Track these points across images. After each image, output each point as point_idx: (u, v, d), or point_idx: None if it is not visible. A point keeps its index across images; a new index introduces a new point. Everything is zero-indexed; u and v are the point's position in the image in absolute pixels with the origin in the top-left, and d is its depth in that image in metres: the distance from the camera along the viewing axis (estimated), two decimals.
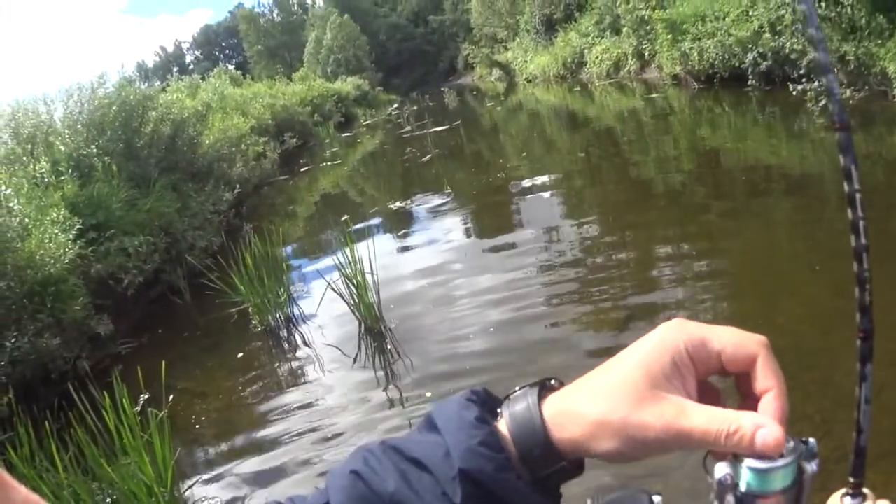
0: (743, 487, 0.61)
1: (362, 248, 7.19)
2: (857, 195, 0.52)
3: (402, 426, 5.04)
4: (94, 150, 9.58)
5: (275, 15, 78.55)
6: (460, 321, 6.75)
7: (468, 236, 10.22)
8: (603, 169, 13.96)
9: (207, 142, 11.83)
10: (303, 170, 22.51)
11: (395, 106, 46.92)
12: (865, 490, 0.60)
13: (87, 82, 10.36)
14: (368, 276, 6.88)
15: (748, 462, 0.60)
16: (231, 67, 33.63)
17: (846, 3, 11.32)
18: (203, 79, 18.44)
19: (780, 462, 0.60)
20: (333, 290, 7.01)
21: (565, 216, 10.14)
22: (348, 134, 32.76)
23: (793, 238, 7.33)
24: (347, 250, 6.97)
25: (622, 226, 9.04)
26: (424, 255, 9.38)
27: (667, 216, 8.99)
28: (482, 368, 5.66)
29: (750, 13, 14.96)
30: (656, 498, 0.70)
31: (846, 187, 0.53)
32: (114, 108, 9.58)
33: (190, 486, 4.92)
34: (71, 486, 4.07)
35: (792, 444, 0.61)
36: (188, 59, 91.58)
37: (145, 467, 4.28)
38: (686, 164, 12.35)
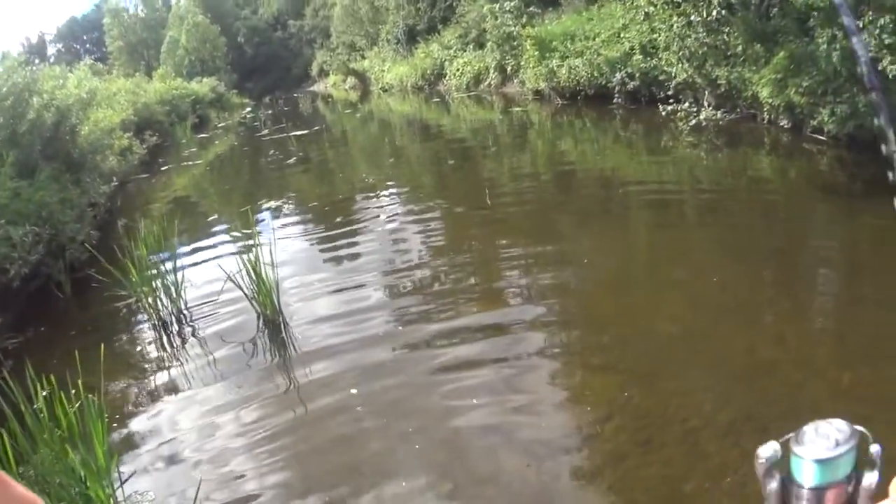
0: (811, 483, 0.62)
1: (248, 243, 7.27)
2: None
3: (298, 425, 5.15)
4: None
5: (140, 10, 75.26)
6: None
7: (310, 242, 10.40)
8: (450, 178, 14.34)
9: (83, 132, 11.31)
10: (163, 168, 21.91)
11: (249, 109, 46.11)
12: None
13: None
14: (261, 271, 6.93)
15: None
16: (91, 61, 32.08)
17: (724, 31, 12.09)
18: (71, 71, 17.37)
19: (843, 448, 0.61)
20: (232, 281, 7.05)
21: (412, 224, 10.36)
22: (204, 135, 32.03)
23: (649, 250, 7.87)
24: (238, 245, 6.98)
25: (468, 235, 9.36)
26: (289, 257, 9.28)
27: (517, 226, 9.47)
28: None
29: (622, 35, 15.65)
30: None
31: (883, 149, 0.57)
32: (4, 90, 9.00)
33: None
34: None
35: (849, 430, 0.63)
36: (50, 51, 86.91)
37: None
38: (541, 176, 12.95)
